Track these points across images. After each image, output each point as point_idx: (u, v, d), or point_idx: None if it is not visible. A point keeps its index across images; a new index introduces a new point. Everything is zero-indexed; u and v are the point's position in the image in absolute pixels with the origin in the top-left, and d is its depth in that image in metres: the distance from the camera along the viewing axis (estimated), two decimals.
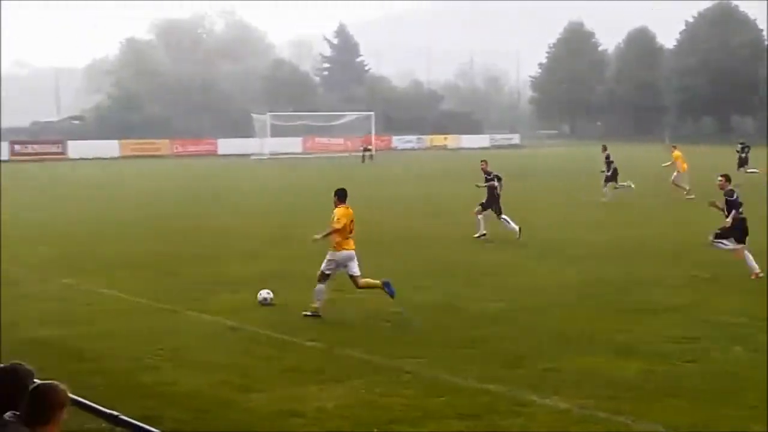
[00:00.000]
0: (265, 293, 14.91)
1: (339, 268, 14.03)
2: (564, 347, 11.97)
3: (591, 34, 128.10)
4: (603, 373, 10.78)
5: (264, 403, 9.93)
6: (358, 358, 11.39)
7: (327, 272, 13.93)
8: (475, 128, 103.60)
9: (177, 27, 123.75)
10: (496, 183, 22.57)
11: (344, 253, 13.88)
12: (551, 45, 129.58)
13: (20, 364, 5.63)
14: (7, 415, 5.13)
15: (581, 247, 20.76)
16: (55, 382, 5.23)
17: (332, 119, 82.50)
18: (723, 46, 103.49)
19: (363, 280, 14.01)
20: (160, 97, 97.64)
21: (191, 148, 77.39)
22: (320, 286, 13.73)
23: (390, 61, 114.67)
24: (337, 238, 13.88)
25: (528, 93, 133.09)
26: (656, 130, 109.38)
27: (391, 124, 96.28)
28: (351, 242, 14.01)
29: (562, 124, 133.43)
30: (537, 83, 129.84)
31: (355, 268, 13.94)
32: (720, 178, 17.14)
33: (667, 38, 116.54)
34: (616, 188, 32.23)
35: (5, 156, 65.34)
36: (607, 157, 32.67)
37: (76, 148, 71.56)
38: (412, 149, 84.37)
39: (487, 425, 9.15)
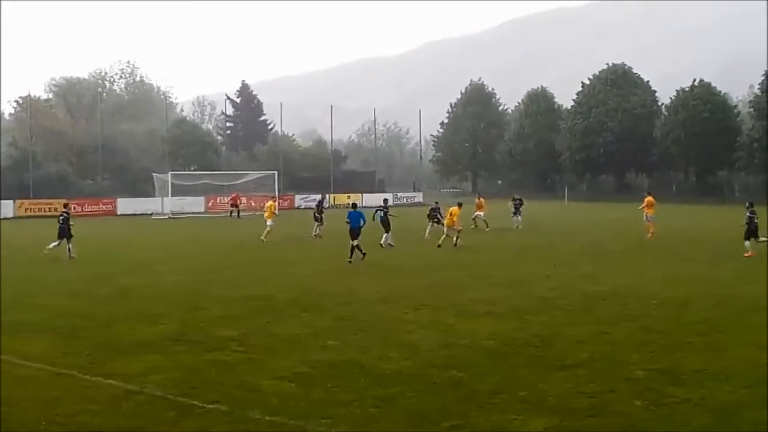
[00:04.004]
0: None
1: None
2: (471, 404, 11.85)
3: (492, 95, 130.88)
4: (510, 430, 10.70)
5: None
6: (260, 420, 11.06)
7: None
8: (378, 186, 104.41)
9: (76, 86, 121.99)
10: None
11: None
12: (453, 104, 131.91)
13: None
14: None
15: (498, 305, 20.77)
16: None
17: (235, 178, 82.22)
18: (619, 107, 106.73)
19: None
20: (58, 157, 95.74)
21: (89, 208, 76.04)
22: None
23: (294, 119, 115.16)
24: None
25: (431, 152, 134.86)
26: (556, 188, 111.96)
27: (295, 182, 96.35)
28: None
29: (463, 182, 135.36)
30: (439, 142, 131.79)
31: None
32: None
33: (566, 99, 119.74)
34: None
35: None
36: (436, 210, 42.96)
37: None
38: None
39: None
